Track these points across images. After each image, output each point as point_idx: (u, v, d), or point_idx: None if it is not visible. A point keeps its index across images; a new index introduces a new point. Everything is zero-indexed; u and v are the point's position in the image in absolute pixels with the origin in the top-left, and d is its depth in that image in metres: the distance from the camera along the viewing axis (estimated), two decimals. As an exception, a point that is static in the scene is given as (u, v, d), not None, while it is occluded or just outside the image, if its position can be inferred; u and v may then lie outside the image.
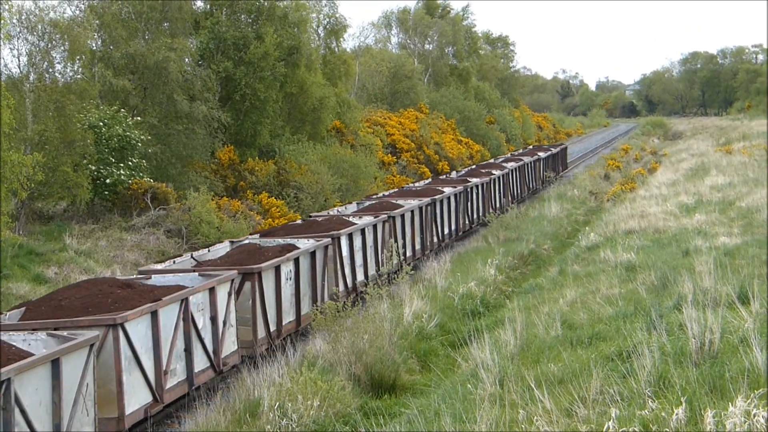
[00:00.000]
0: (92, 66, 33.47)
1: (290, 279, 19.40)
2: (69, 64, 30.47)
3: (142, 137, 31.75)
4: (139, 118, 33.13)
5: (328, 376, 14.72)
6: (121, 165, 31.10)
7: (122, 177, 30.94)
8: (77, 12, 34.28)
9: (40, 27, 29.19)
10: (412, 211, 28.22)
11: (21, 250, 25.47)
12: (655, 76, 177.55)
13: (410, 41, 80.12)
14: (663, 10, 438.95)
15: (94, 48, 34.10)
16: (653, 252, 22.18)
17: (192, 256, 19.91)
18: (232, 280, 17.15)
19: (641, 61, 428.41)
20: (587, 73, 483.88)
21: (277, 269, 18.73)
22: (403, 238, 27.21)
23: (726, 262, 17.81)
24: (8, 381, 10.97)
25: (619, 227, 28.03)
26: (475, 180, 37.54)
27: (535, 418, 10.44)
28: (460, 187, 34.31)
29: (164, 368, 14.65)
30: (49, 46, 29.40)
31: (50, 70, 29.76)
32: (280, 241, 21.32)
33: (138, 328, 14.09)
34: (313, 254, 20.54)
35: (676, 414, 9.53)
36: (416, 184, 38.45)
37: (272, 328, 18.47)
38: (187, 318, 15.45)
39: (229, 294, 16.97)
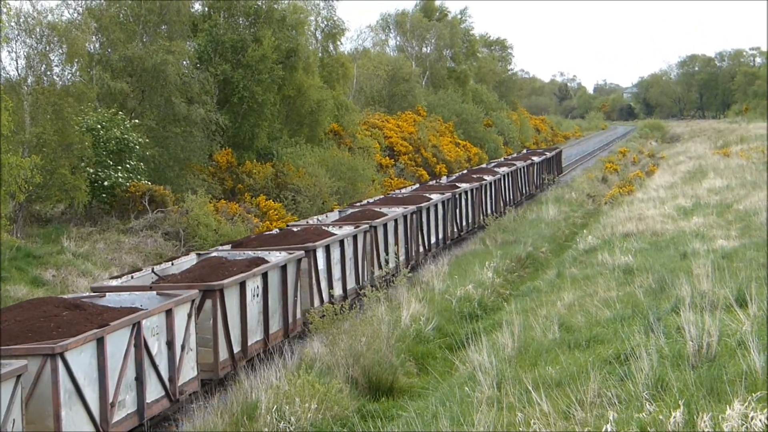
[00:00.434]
0: (90, 69, 33.46)
1: (257, 296, 18.10)
2: (67, 67, 30.44)
3: (139, 140, 31.75)
4: (136, 121, 33.12)
5: (326, 379, 14.71)
6: (119, 168, 31.11)
7: (120, 180, 30.95)
8: (75, 15, 34.31)
9: (38, 30, 29.18)
10: (396, 220, 26.72)
11: (19, 253, 25.47)
12: (653, 78, 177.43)
13: (408, 44, 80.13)
14: (660, 12, 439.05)
15: (92, 51, 34.08)
16: (651, 255, 22.18)
17: (153, 270, 18.58)
18: (193, 301, 15.79)
19: (639, 64, 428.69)
20: (585, 75, 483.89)
21: (243, 285, 17.43)
22: (386, 249, 25.74)
23: (724, 265, 17.81)
24: None
25: (616, 230, 28.02)
26: (464, 186, 35.94)
27: (533, 421, 10.44)
28: (448, 194, 32.85)
29: (111, 400, 13.31)
30: (47, 48, 29.39)
31: (48, 72, 29.75)
32: (250, 253, 20.04)
33: (81, 357, 12.73)
34: (284, 268, 19.21)
35: (674, 417, 9.53)
36: (402, 191, 36.66)
37: (236, 349, 17.16)
38: (139, 344, 14.08)
39: (189, 315, 15.59)
